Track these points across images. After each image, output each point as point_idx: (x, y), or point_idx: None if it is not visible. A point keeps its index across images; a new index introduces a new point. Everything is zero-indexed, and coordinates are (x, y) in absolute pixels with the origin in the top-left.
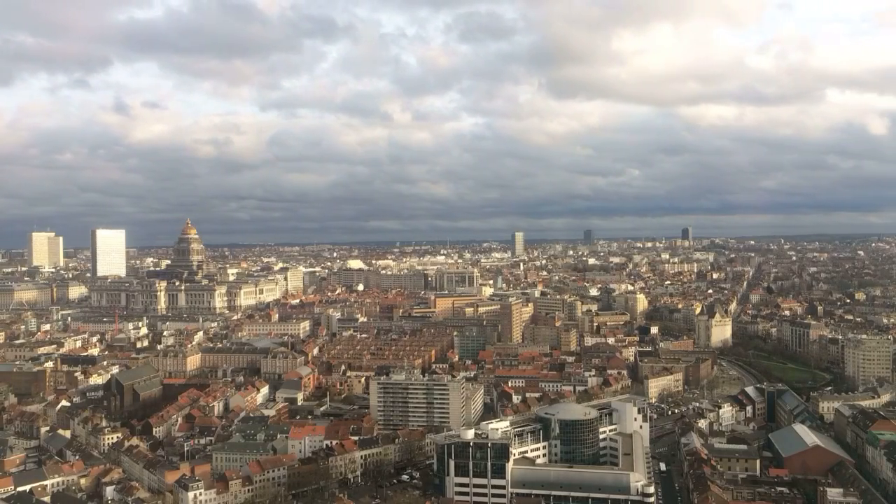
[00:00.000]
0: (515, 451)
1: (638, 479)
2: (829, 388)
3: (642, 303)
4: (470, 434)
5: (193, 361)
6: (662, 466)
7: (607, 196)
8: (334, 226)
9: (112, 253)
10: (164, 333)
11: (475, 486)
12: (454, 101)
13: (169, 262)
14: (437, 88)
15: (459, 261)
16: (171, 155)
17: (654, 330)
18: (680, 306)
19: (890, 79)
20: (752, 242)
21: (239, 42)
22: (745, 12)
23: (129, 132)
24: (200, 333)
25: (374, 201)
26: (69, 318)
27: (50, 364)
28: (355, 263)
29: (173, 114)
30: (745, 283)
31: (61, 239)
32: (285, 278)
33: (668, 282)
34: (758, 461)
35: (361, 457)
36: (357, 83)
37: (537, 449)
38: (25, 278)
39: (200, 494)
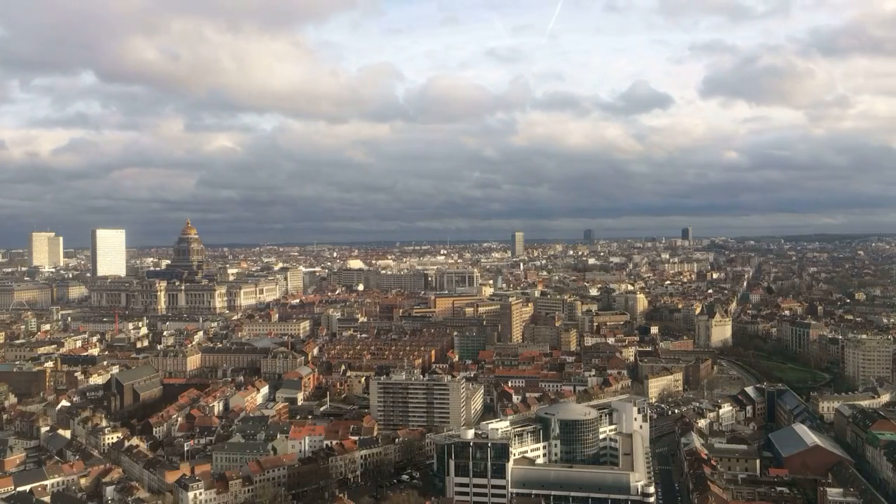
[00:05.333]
0: (515, 451)
1: (638, 479)
2: (830, 388)
3: (642, 303)
4: (470, 434)
5: (193, 361)
6: None
7: (484, 200)
8: (301, 227)
9: (112, 253)
10: (164, 333)
11: (475, 486)
12: (177, 116)
13: (169, 262)
14: (160, 105)
15: (459, 261)
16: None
17: (654, 330)
18: (680, 306)
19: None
20: (752, 242)
21: None
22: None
23: None
24: (200, 333)
25: (286, 204)
26: (69, 318)
27: (50, 364)
28: (355, 263)
29: None
30: (745, 283)
31: (61, 239)
32: (285, 278)
33: (668, 282)
34: (758, 461)
35: (361, 457)
36: (56, 107)
37: (537, 449)
38: (25, 278)
39: (200, 494)
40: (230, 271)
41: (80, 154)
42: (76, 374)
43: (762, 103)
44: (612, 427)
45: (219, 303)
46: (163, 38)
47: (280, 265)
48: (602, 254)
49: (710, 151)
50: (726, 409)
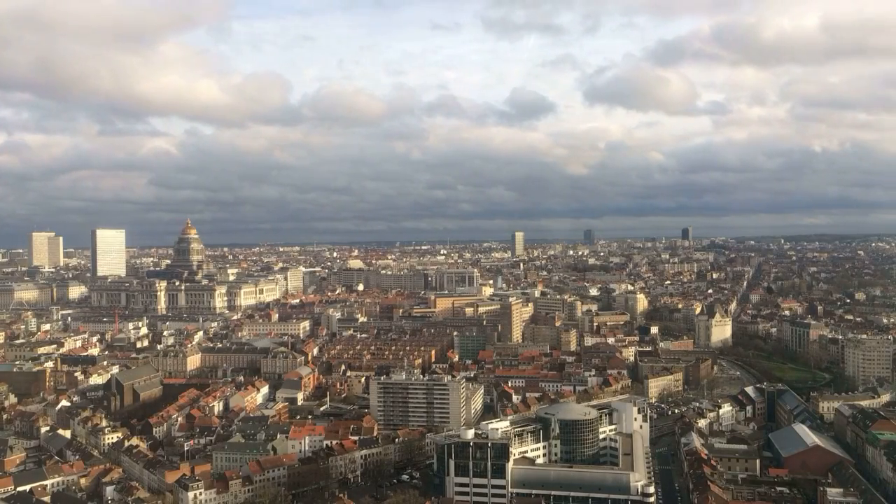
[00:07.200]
0: (515, 451)
1: (638, 479)
2: (829, 388)
3: (642, 303)
4: (470, 434)
5: (193, 361)
6: None
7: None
8: (288, 227)
9: (112, 253)
10: (164, 333)
11: (475, 486)
12: (88, 122)
13: (169, 262)
14: (73, 111)
15: (459, 261)
16: None
17: (654, 330)
18: (680, 306)
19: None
20: (752, 242)
21: None
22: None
23: None
24: (200, 333)
25: (255, 205)
26: (69, 318)
27: (50, 364)
28: (355, 263)
29: None
30: (745, 283)
31: (61, 239)
32: (285, 278)
33: (668, 282)
34: (758, 461)
35: (361, 457)
36: None
37: (537, 449)
38: (25, 278)
39: (200, 494)
40: (230, 271)
41: (16, 156)
42: (76, 374)
43: (641, 110)
44: (612, 427)
45: (219, 303)
46: (20, 50)
47: (280, 265)
48: (602, 254)
49: (636, 154)
50: (726, 409)
